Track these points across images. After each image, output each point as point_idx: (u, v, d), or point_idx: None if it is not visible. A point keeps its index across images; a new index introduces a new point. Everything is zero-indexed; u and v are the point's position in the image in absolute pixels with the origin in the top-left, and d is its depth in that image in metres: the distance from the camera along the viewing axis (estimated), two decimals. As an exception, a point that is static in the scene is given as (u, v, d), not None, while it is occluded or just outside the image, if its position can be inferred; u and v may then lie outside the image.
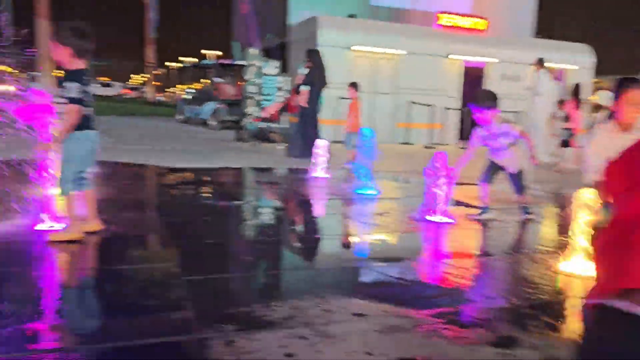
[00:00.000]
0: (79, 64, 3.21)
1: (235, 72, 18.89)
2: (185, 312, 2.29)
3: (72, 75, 3.16)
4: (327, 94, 12.96)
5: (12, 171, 3.89)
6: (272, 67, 12.04)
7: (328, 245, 3.71)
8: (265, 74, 11.95)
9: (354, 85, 8.21)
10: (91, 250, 3.21)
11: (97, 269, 3.01)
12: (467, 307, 2.56)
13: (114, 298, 2.51)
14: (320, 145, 6.79)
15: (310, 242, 3.90)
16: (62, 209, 3.37)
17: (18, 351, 1.89)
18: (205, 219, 4.32)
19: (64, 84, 3.13)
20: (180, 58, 46.36)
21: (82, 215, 3.37)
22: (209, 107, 16.28)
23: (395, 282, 2.90)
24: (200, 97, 17.75)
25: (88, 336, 2.11)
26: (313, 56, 9.23)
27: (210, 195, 5.77)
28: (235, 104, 11.15)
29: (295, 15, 15.51)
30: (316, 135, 8.87)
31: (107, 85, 42.85)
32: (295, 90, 9.20)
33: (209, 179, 6.65)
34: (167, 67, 33.53)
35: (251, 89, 11.91)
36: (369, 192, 5.59)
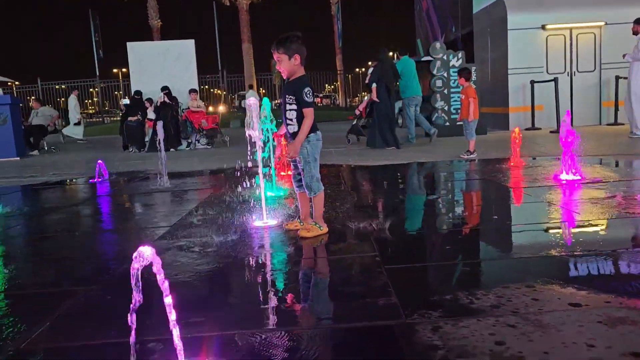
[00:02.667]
0: (303, 71, 3.42)
1: (420, 69, 18.80)
2: (391, 298, 2.37)
3: (304, 81, 3.37)
4: (519, 79, 12.34)
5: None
6: (457, 59, 11.78)
7: (535, 234, 3.48)
8: (452, 67, 11.74)
9: (463, 72, 7.84)
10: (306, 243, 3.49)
11: (311, 258, 3.25)
12: None
13: (331, 285, 2.71)
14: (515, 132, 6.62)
15: (514, 230, 3.74)
16: (304, 208, 3.70)
17: (245, 329, 2.14)
18: (407, 208, 4.42)
19: (299, 90, 3.32)
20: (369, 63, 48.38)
21: (304, 212, 3.71)
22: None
23: (618, 273, 2.62)
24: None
25: (307, 318, 2.31)
26: (379, 54, 9.90)
27: (403, 187, 5.89)
28: (423, 100, 11.17)
29: (478, 3, 14.89)
30: (390, 127, 9.66)
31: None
32: (367, 87, 10.03)
33: (394, 173, 6.87)
34: (355, 72, 34.93)
35: (438, 83, 11.82)
36: (573, 177, 5.26)
